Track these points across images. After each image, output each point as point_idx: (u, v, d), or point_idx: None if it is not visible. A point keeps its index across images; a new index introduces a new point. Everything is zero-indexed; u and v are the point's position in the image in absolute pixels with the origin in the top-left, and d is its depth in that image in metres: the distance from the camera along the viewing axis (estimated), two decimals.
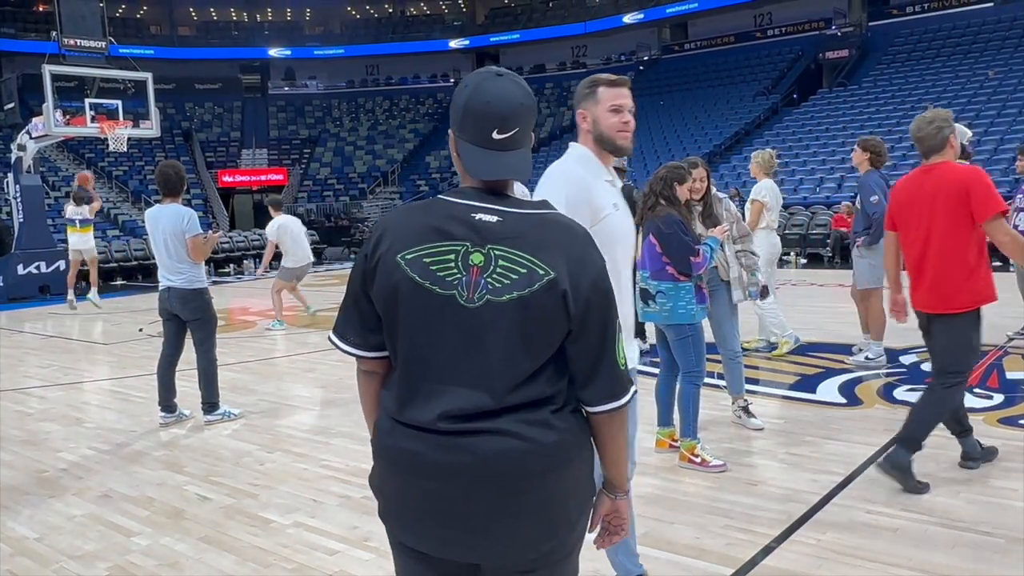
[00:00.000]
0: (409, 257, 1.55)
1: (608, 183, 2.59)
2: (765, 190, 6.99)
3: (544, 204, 1.66)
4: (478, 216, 1.56)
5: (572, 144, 2.68)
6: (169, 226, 5.46)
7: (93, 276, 12.52)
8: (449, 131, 1.66)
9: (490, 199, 1.59)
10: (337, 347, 1.71)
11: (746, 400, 4.97)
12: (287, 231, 10.00)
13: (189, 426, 5.59)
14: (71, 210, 12.29)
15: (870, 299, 6.56)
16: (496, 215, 1.57)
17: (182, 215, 5.48)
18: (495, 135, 1.56)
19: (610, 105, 2.56)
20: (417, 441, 1.56)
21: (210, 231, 5.89)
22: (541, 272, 1.52)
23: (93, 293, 12.34)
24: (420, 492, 1.57)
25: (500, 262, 1.53)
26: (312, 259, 10.62)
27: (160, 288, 5.61)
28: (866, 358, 6.49)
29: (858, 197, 6.68)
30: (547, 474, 1.55)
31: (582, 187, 2.48)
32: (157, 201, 5.79)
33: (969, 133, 6.60)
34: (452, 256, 1.54)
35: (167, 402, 5.65)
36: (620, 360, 1.62)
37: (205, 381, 5.64)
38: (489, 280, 1.52)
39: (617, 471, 1.72)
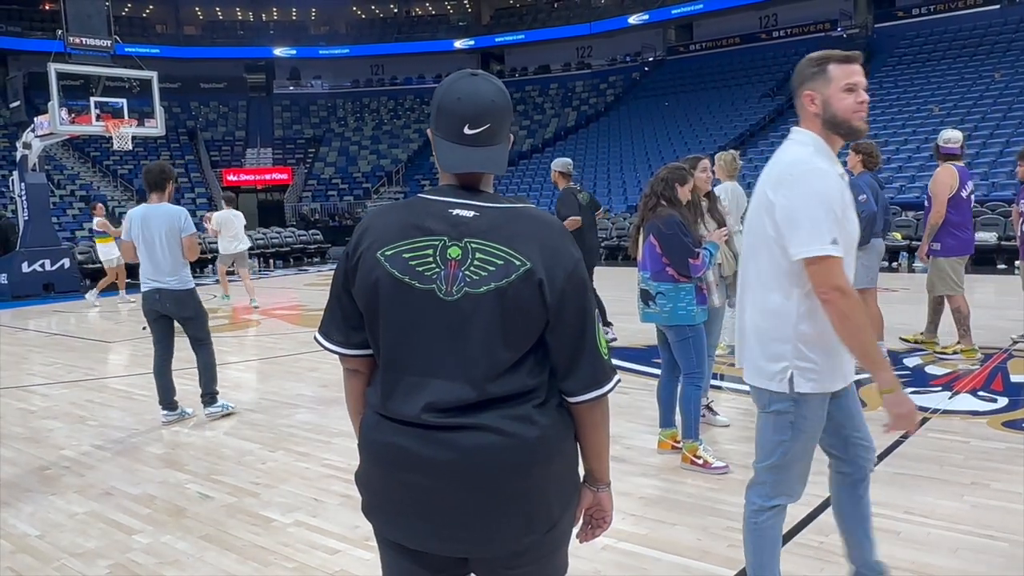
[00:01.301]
0: (389, 253, 1.59)
1: (840, 176, 2.39)
2: (725, 192, 6.97)
3: (520, 200, 1.69)
4: (455, 211, 1.60)
5: (797, 130, 2.44)
6: (164, 225, 5.42)
7: (103, 282, 13.43)
8: (428, 130, 1.71)
9: (466, 195, 1.63)
10: (322, 345, 1.75)
11: (708, 398, 4.92)
12: (227, 223, 11.90)
13: (191, 424, 5.60)
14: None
15: (865, 299, 6.52)
16: (473, 210, 1.60)
17: (179, 214, 5.48)
18: (466, 130, 1.60)
19: (844, 84, 2.34)
20: (401, 435, 1.59)
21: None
22: (517, 263, 1.55)
23: (91, 292, 13.30)
24: (404, 486, 1.60)
25: (477, 255, 1.56)
26: (243, 247, 12.19)
27: (146, 289, 5.53)
28: None
29: None
30: (528, 469, 1.57)
31: (837, 192, 2.30)
32: (140, 201, 5.85)
33: (957, 135, 6.70)
34: (430, 251, 1.58)
35: (168, 400, 5.66)
36: (602, 349, 1.64)
37: (209, 375, 5.68)
38: (467, 273, 1.56)
39: (599, 463, 1.75)
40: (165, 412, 5.64)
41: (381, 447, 1.63)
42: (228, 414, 5.73)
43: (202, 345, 5.67)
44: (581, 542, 1.83)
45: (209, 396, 5.70)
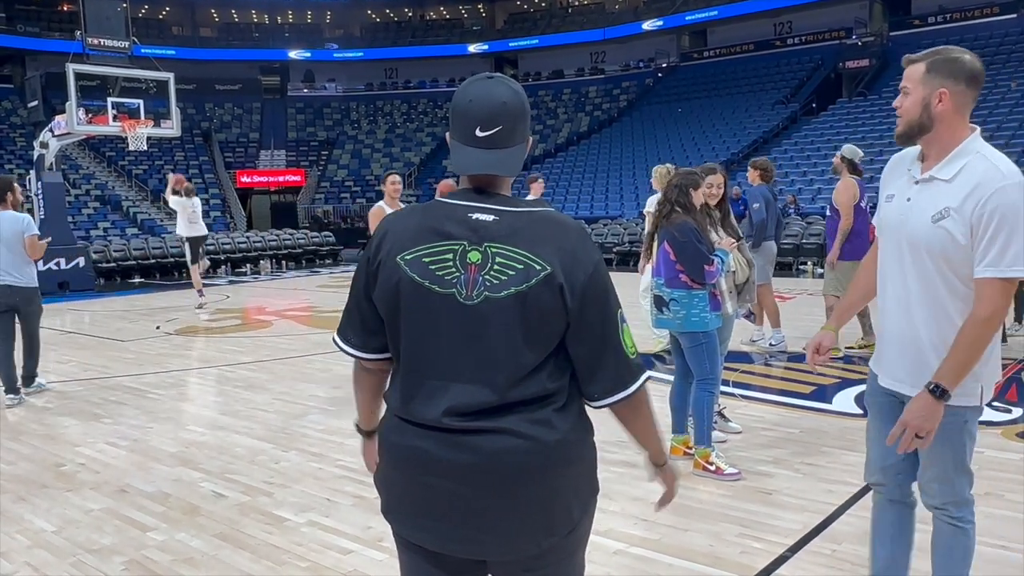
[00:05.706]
0: (409, 258, 1.59)
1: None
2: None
3: (539, 203, 1.69)
4: (475, 216, 1.61)
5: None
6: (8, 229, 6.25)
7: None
8: (447, 134, 1.71)
9: (485, 199, 1.63)
10: (340, 348, 1.77)
11: (720, 405, 4.90)
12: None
13: (205, 424, 5.64)
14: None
15: (762, 294, 7.29)
16: (492, 214, 1.61)
17: (20, 218, 6.41)
18: (478, 132, 1.60)
19: None
20: (423, 438, 1.60)
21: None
22: (538, 267, 1.55)
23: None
24: (424, 488, 1.61)
25: (497, 259, 1.57)
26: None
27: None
28: (770, 344, 7.51)
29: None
30: (547, 472, 1.58)
31: None
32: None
33: (860, 153, 7.31)
34: (450, 255, 1.58)
35: (15, 386, 6.39)
36: (627, 350, 1.63)
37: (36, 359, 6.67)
38: (487, 277, 1.56)
39: (649, 445, 1.78)
40: (11, 396, 6.30)
41: (402, 450, 1.64)
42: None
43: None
44: (656, 511, 1.86)
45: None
